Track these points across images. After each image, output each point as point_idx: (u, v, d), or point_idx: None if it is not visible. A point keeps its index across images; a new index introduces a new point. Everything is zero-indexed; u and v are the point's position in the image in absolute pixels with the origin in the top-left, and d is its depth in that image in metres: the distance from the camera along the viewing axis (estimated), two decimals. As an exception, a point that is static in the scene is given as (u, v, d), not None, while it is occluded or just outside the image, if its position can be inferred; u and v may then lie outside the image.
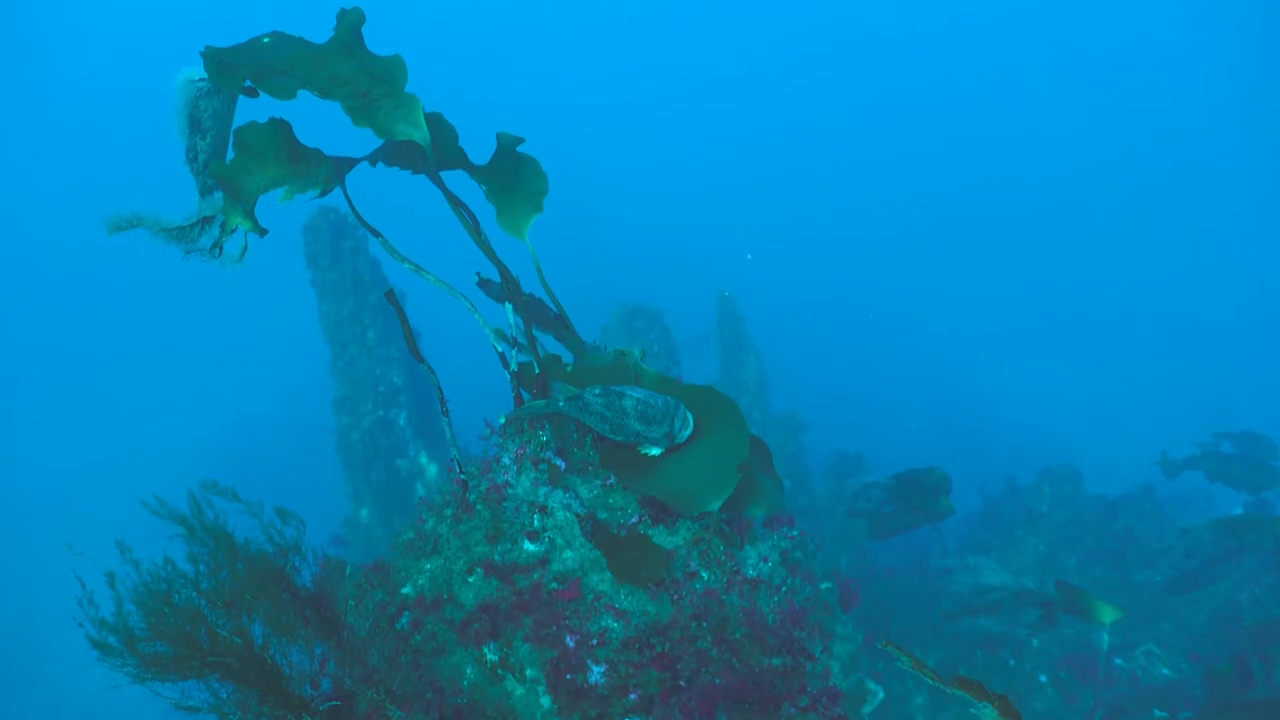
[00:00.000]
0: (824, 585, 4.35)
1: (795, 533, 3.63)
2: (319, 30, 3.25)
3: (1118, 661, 6.35)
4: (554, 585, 3.06)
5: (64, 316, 19.98)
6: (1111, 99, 27.92)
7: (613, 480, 3.26)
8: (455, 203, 3.14)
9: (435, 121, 3.13)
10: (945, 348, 17.02)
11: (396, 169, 3.31)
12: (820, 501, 8.43)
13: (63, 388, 17.51)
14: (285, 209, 3.26)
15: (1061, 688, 6.30)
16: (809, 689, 2.83)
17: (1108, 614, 5.29)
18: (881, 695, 4.87)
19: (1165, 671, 6.27)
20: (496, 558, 3.14)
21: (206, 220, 3.01)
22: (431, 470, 8.96)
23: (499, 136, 3.23)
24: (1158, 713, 5.88)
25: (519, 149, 3.29)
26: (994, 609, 6.10)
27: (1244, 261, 20.37)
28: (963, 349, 16.91)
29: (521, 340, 3.35)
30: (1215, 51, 27.28)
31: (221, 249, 3.01)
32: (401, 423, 9.07)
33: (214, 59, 2.85)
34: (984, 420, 14.35)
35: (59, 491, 14.28)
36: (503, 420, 3.37)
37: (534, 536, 3.13)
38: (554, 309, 3.46)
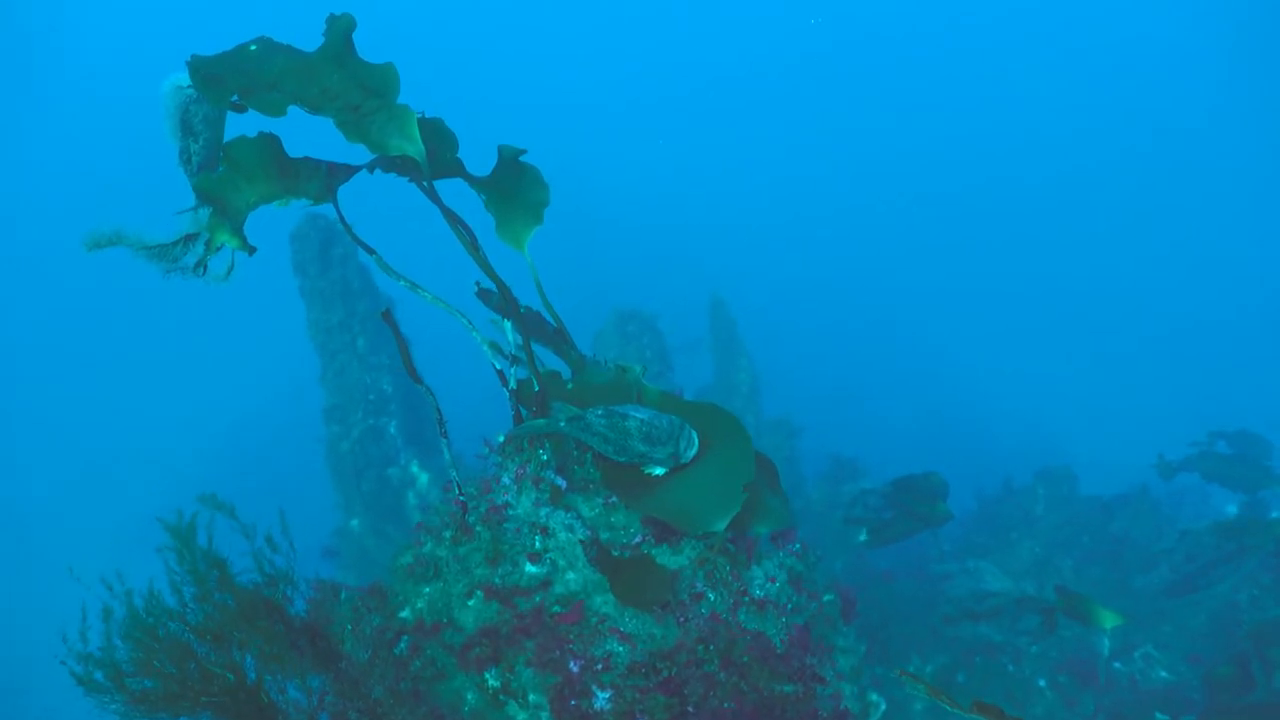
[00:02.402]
0: (827, 598, 4.29)
1: (798, 546, 3.57)
2: (314, 26, 3.13)
3: (1116, 665, 6.33)
4: (557, 608, 2.98)
5: (64, 318, 19.77)
6: (1109, 98, 28.09)
7: (615, 499, 3.19)
8: (452, 219, 3.05)
9: (434, 128, 3.02)
10: (940, 349, 17.05)
11: (394, 174, 3.20)
12: (816, 506, 8.40)
13: (62, 390, 17.34)
14: (281, 213, 3.16)
15: (1061, 692, 6.26)
16: (820, 713, 2.77)
17: (1109, 619, 5.25)
18: (884, 706, 4.81)
19: (1164, 674, 6.26)
20: (497, 580, 3.05)
21: (191, 237, 2.90)
22: (423, 479, 8.85)
23: (500, 149, 3.13)
24: (1159, 716, 5.86)
25: (520, 159, 3.20)
26: (994, 615, 6.06)
27: (1241, 261, 20.52)
28: (958, 350, 16.95)
29: (520, 356, 3.26)
30: (1212, 51, 27.47)
31: (206, 267, 2.90)
32: (392, 431, 8.95)
33: (199, 71, 2.75)
34: (979, 421, 14.37)
35: (58, 495, 14.13)
36: (502, 439, 3.28)
37: (535, 558, 3.05)
38: (553, 323, 3.38)
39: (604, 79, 30.73)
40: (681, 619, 2.94)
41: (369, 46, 3.02)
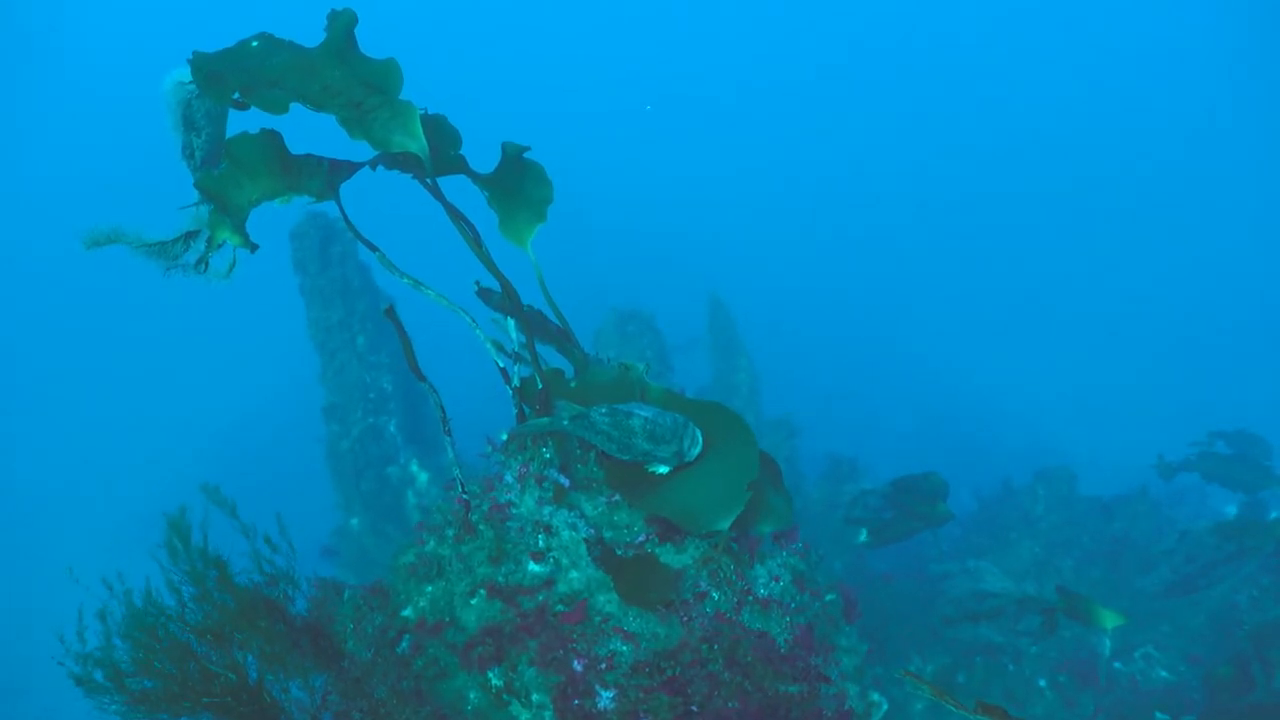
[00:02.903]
0: (829, 597, 4.28)
1: (800, 545, 3.57)
2: (315, 22, 3.11)
3: (1116, 665, 6.33)
4: (560, 607, 2.97)
5: (63, 318, 19.72)
6: (1106, 101, 28.11)
7: (618, 497, 3.18)
8: (455, 215, 3.04)
9: (436, 125, 3.01)
10: (940, 349, 17.04)
11: (397, 170, 3.19)
12: (815, 507, 8.38)
13: (62, 389, 17.30)
14: (281, 211, 3.15)
15: (1061, 692, 6.26)
16: (825, 713, 2.76)
17: (1109, 619, 5.24)
18: (886, 706, 4.80)
19: (1164, 674, 6.26)
20: (500, 579, 3.04)
21: (191, 235, 2.89)
22: (423, 478, 8.84)
23: (504, 145, 3.12)
24: (1159, 716, 5.86)
25: (524, 156, 3.19)
26: (994, 615, 6.06)
27: (1240, 262, 20.55)
28: (958, 350, 16.94)
29: (523, 354, 3.25)
30: (1209, 53, 27.49)
31: (208, 265, 2.89)
32: (392, 429, 8.95)
33: (201, 68, 2.74)
34: (979, 421, 14.36)
35: (58, 496, 14.08)
36: (505, 437, 3.27)
37: (539, 557, 3.04)
38: (556, 322, 3.37)
39: (604, 78, 30.72)
40: (685, 618, 2.93)
41: (371, 43, 3.01)
